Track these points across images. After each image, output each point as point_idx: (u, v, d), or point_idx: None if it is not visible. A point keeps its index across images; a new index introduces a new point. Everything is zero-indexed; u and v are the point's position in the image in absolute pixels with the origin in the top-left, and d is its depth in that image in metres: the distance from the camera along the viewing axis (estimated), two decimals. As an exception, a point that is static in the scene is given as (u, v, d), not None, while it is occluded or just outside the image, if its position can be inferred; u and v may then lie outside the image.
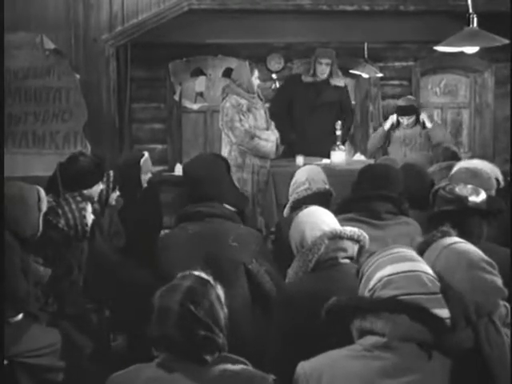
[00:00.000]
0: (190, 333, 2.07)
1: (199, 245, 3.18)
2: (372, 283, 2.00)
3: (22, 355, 3.41)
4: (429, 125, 6.68)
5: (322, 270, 2.64)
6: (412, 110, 6.71)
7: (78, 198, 3.76)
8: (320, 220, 2.77)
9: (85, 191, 4.07)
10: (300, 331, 2.49)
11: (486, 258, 2.20)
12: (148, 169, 4.92)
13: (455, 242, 2.25)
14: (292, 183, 4.28)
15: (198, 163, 3.61)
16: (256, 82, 6.18)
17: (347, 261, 2.70)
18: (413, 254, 2.09)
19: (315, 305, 2.37)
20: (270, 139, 6.16)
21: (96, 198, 4.27)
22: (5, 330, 3.21)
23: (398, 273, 1.98)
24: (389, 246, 2.15)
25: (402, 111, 6.74)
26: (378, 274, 2.00)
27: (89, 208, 3.77)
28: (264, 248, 3.33)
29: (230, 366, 2.10)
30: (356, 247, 2.73)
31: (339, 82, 6.96)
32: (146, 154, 4.99)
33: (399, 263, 2.00)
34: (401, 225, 3.44)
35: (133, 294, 3.83)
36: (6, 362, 3.34)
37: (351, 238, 2.70)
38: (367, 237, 2.75)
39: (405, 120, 6.70)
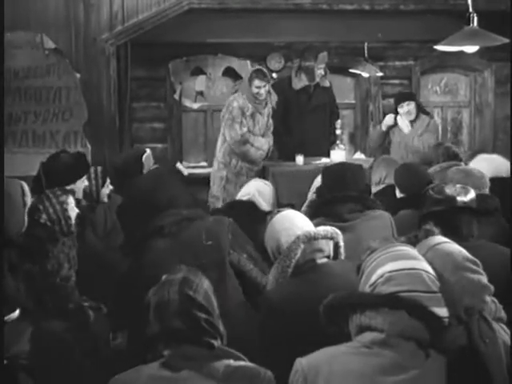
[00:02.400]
0: (191, 319, 2.09)
1: (176, 258, 3.02)
2: (373, 278, 2.01)
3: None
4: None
5: (302, 273, 2.63)
6: (410, 96, 6.59)
7: (58, 192, 3.72)
8: (294, 225, 2.75)
9: (67, 187, 4.05)
10: (286, 337, 2.48)
11: (470, 257, 2.22)
12: (149, 166, 4.91)
13: (439, 243, 2.26)
14: None
15: (144, 178, 3.54)
16: (256, 90, 6.08)
17: (325, 260, 2.70)
18: (415, 252, 2.10)
19: (299, 309, 2.40)
20: (261, 148, 6.19)
21: (81, 194, 4.26)
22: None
23: (399, 270, 1.99)
24: (391, 244, 2.14)
25: (400, 98, 6.49)
26: (380, 270, 2.01)
27: (70, 200, 3.71)
28: (239, 232, 3.26)
29: (233, 362, 2.10)
30: (331, 244, 2.73)
31: (326, 82, 6.94)
32: (148, 150, 4.98)
33: (401, 260, 2.02)
34: (368, 221, 3.41)
35: (127, 294, 3.82)
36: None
37: (325, 237, 2.70)
38: (340, 232, 2.75)
39: (405, 107, 6.34)
